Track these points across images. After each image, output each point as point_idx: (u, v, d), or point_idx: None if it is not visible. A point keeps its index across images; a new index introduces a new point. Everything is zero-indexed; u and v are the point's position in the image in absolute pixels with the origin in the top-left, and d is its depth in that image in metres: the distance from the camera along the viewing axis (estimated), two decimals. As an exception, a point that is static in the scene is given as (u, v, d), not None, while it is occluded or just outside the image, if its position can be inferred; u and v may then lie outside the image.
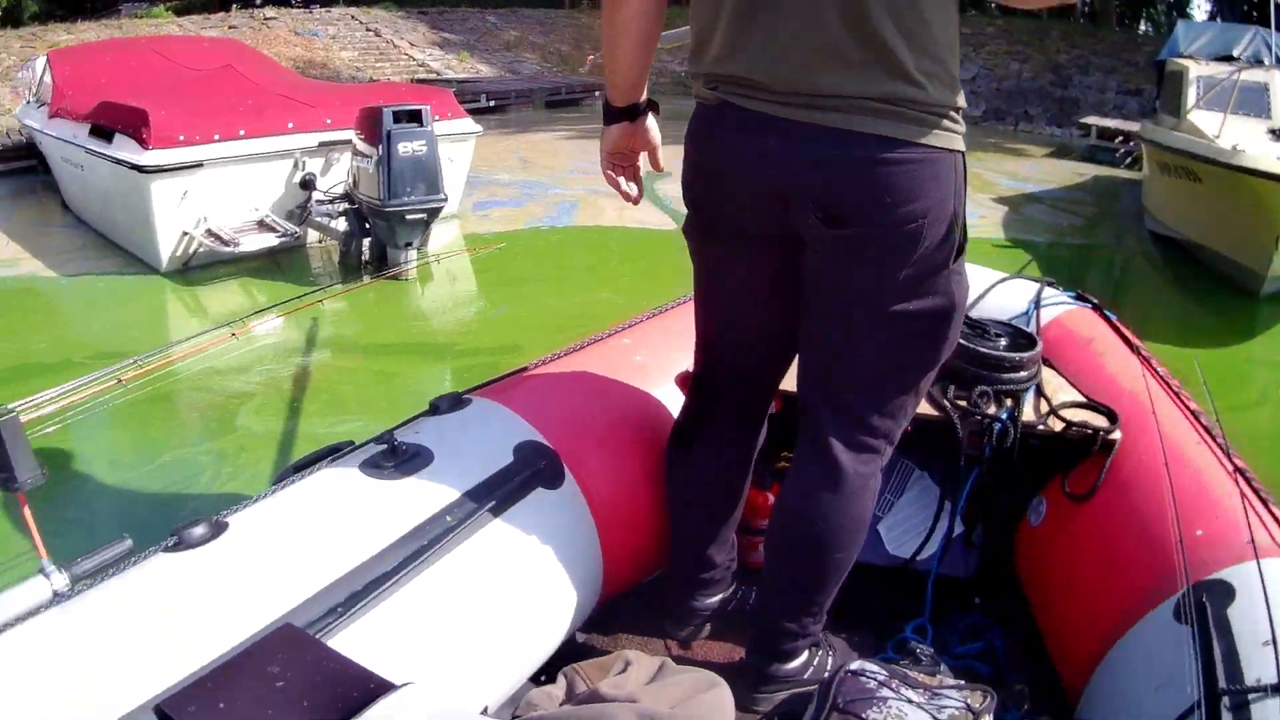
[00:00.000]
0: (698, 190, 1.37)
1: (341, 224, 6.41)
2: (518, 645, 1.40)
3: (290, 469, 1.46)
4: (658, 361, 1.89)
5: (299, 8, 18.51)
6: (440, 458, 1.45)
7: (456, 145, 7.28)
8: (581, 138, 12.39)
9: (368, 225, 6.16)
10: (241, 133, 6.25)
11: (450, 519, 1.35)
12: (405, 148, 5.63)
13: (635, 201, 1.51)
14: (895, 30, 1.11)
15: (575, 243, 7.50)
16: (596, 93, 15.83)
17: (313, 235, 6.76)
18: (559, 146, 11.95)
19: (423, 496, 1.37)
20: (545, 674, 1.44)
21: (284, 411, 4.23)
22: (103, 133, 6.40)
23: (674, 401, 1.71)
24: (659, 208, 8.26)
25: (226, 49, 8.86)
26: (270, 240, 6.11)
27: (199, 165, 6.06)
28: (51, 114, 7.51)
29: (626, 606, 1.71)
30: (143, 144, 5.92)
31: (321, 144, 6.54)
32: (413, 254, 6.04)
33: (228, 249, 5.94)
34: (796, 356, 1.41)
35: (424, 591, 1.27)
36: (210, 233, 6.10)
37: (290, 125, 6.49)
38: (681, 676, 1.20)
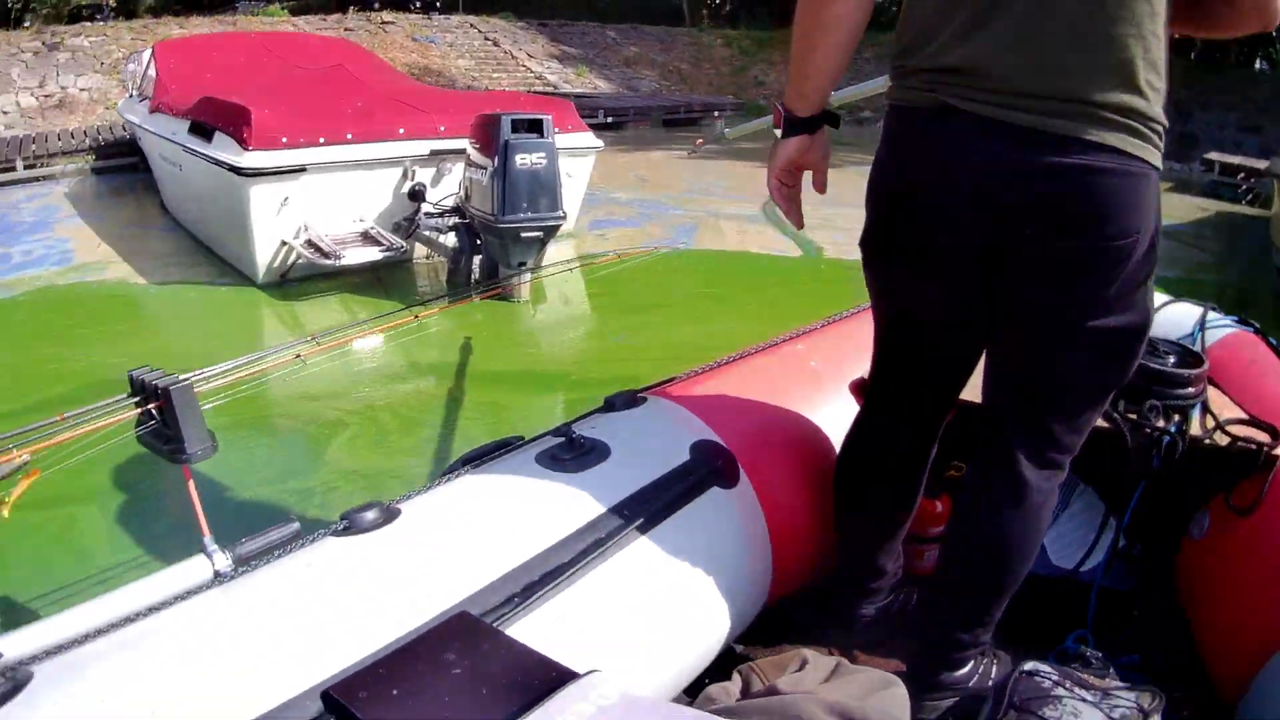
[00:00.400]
0: (891, 199, 1.30)
1: (451, 239, 5.86)
2: (690, 641, 1.40)
3: (460, 461, 1.47)
4: (831, 369, 1.90)
5: (417, 13, 18.33)
6: (617, 453, 1.45)
7: (576, 160, 6.72)
8: (699, 158, 11.78)
9: (479, 241, 5.60)
10: (349, 136, 5.78)
11: (627, 513, 1.34)
12: (523, 160, 5.04)
13: (800, 225, 1.43)
14: (1134, 41, 1.10)
15: (696, 267, 6.86)
16: (715, 113, 15.37)
17: (420, 250, 6.24)
18: (677, 166, 11.38)
19: (600, 490, 1.37)
20: (710, 675, 1.43)
21: (375, 434, 3.99)
22: (202, 130, 6.01)
23: (847, 409, 1.68)
24: (783, 233, 7.62)
25: (339, 48, 8.52)
26: (374, 254, 5.58)
27: (301, 170, 5.59)
28: (153, 109, 7.21)
29: (792, 608, 1.69)
30: (243, 144, 5.49)
31: (433, 152, 6.02)
32: (526, 277, 5.43)
33: (328, 262, 5.42)
34: (980, 368, 1.40)
35: (600, 585, 1.26)
36: (310, 243, 5.62)
37: (401, 131, 5.98)
38: (857, 675, 1.18)
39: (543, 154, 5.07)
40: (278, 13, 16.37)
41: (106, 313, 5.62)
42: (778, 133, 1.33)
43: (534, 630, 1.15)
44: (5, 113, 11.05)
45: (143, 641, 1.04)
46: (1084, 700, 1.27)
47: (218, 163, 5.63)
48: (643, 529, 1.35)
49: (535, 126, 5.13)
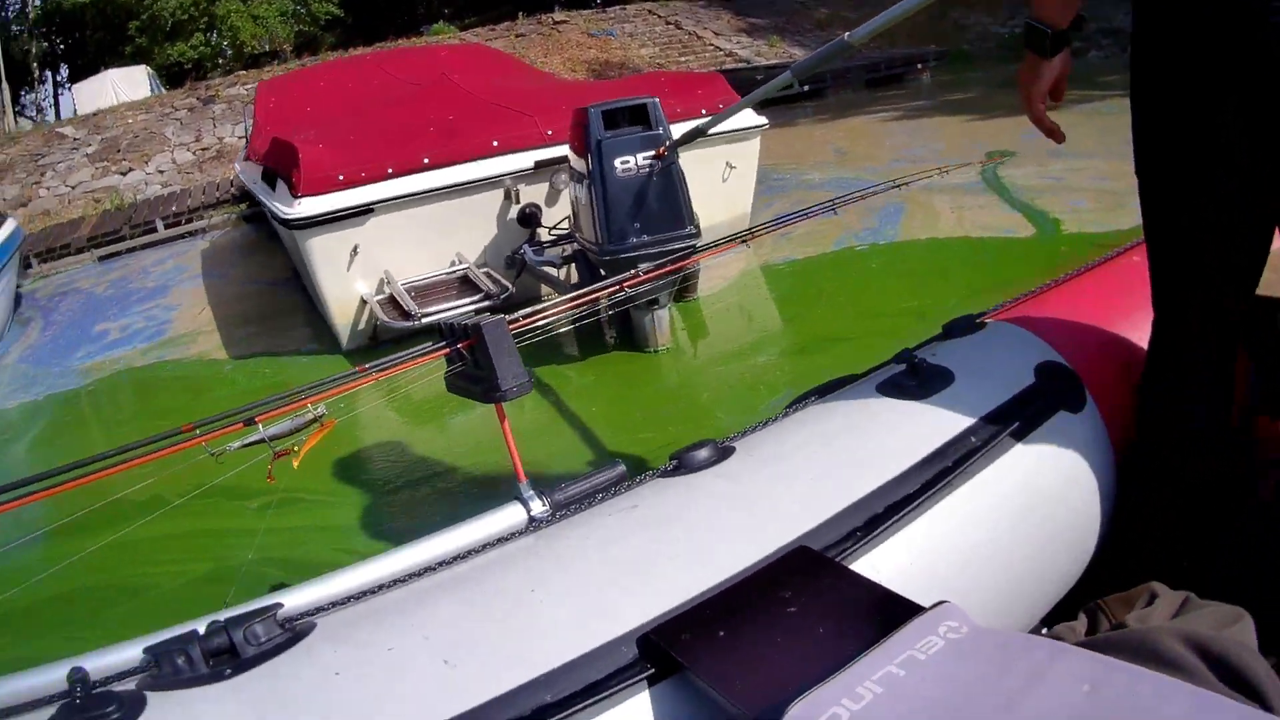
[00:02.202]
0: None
1: (571, 273, 4.46)
2: (1036, 575, 1.31)
3: (797, 399, 1.45)
4: None
5: (594, 9, 17.24)
6: (961, 378, 1.37)
7: (736, 147, 5.19)
8: (907, 118, 9.92)
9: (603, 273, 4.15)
10: (425, 161, 4.51)
11: (975, 440, 1.26)
12: (625, 164, 3.53)
13: (1061, 138, 1.30)
14: None
15: (901, 267, 5.04)
16: (919, 65, 13.32)
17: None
18: (882, 130, 9.53)
19: (946, 416, 1.29)
20: (1054, 615, 1.33)
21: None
22: (271, 177, 4.97)
23: None
24: (1007, 201, 5.79)
25: (462, 56, 7.26)
26: (464, 305, 4.23)
27: (368, 211, 4.39)
28: (248, 154, 6.32)
29: (1138, 540, 1.49)
30: (293, 190, 4.38)
31: (539, 164, 4.65)
32: (663, 317, 3.91)
33: (405, 324, 4.15)
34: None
35: (945, 516, 1.18)
36: (392, 299, 4.40)
37: (495, 144, 4.65)
38: (1207, 608, 1.08)
39: (650, 153, 3.52)
40: (444, 29, 15.77)
41: (161, 400, 4.81)
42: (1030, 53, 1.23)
43: (877, 565, 1.08)
44: (161, 172, 10.93)
45: (444, 589, 1.04)
46: None
47: (274, 216, 4.55)
48: (990, 456, 1.25)
49: (638, 115, 3.60)
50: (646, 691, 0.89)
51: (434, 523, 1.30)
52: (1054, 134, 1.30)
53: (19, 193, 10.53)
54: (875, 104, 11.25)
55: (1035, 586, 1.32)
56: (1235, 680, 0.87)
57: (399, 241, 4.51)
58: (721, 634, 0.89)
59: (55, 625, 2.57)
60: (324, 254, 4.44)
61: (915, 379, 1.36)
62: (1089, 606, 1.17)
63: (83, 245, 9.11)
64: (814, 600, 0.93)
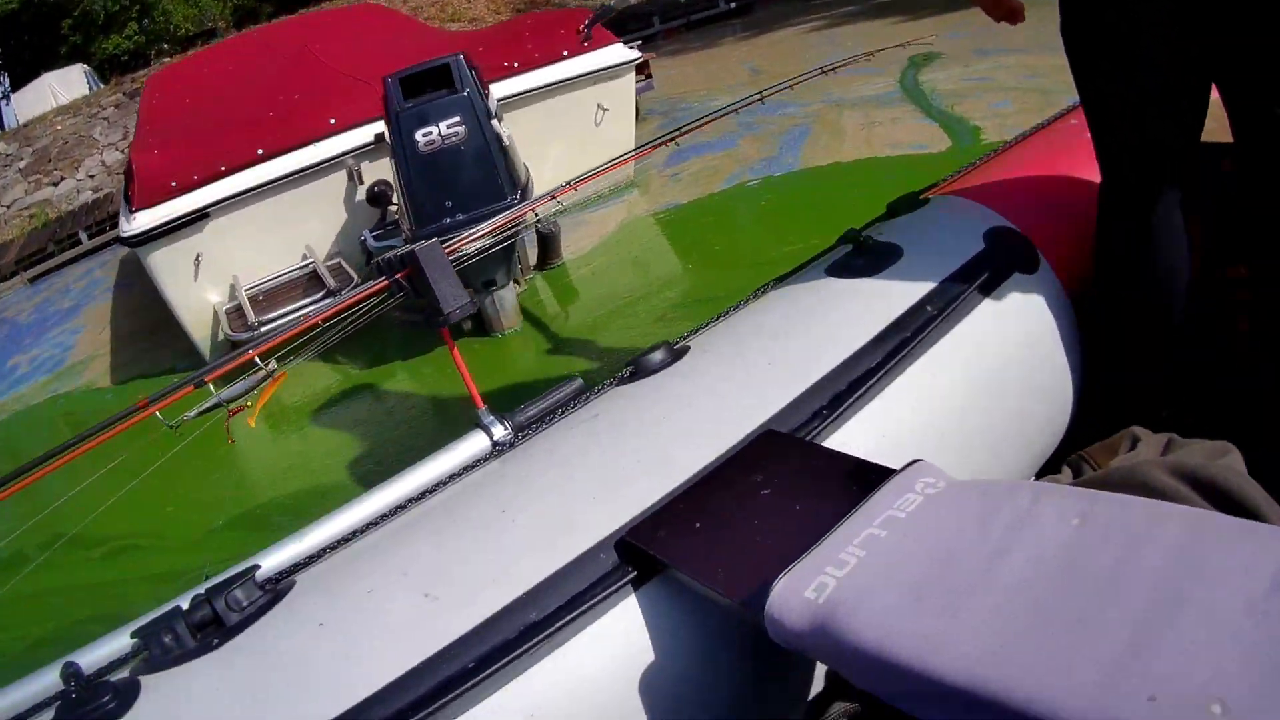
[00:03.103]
0: None
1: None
2: (1010, 434, 1.30)
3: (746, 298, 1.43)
4: None
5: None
6: (910, 252, 1.36)
7: (606, 86, 4.84)
8: (831, 25, 9.40)
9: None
10: (259, 152, 4.19)
11: (931, 309, 1.24)
12: (427, 136, 3.19)
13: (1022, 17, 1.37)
14: None
15: (798, 200, 4.65)
16: None
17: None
18: (803, 43, 9.03)
19: (898, 290, 1.28)
20: (1037, 476, 1.36)
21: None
22: (125, 189, 4.68)
23: None
24: (923, 110, 5.40)
25: (342, 21, 6.69)
26: (304, 305, 3.94)
27: (203, 216, 4.08)
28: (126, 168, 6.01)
29: (1112, 391, 1.51)
30: (129, 204, 4.10)
31: (380, 137, 4.29)
32: (505, 298, 3.60)
33: (246, 335, 3.87)
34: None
35: (911, 386, 1.17)
36: (238, 310, 4.11)
37: (333, 121, 4.31)
38: (1193, 445, 1.02)
39: (457, 118, 3.18)
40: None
41: (35, 444, 4.47)
42: None
43: (847, 441, 1.08)
44: (92, 176, 10.58)
45: (415, 526, 1.04)
46: None
47: (118, 236, 4.28)
48: (949, 323, 1.24)
49: (439, 78, 3.24)
50: (630, 595, 0.89)
51: (399, 462, 1.29)
52: (1015, 14, 1.35)
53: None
54: (803, 14, 10.67)
55: (1011, 448, 1.31)
56: (1229, 506, 0.83)
57: (243, 242, 4.23)
58: (698, 526, 0.89)
59: (43, 626, 2.55)
60: (167, 267, 4.18)
61: (864, 257, 1.35)
62: (1071, 459, 1.14)
63: (11, 269, 8.84)
64: (786, 480, 0.93)
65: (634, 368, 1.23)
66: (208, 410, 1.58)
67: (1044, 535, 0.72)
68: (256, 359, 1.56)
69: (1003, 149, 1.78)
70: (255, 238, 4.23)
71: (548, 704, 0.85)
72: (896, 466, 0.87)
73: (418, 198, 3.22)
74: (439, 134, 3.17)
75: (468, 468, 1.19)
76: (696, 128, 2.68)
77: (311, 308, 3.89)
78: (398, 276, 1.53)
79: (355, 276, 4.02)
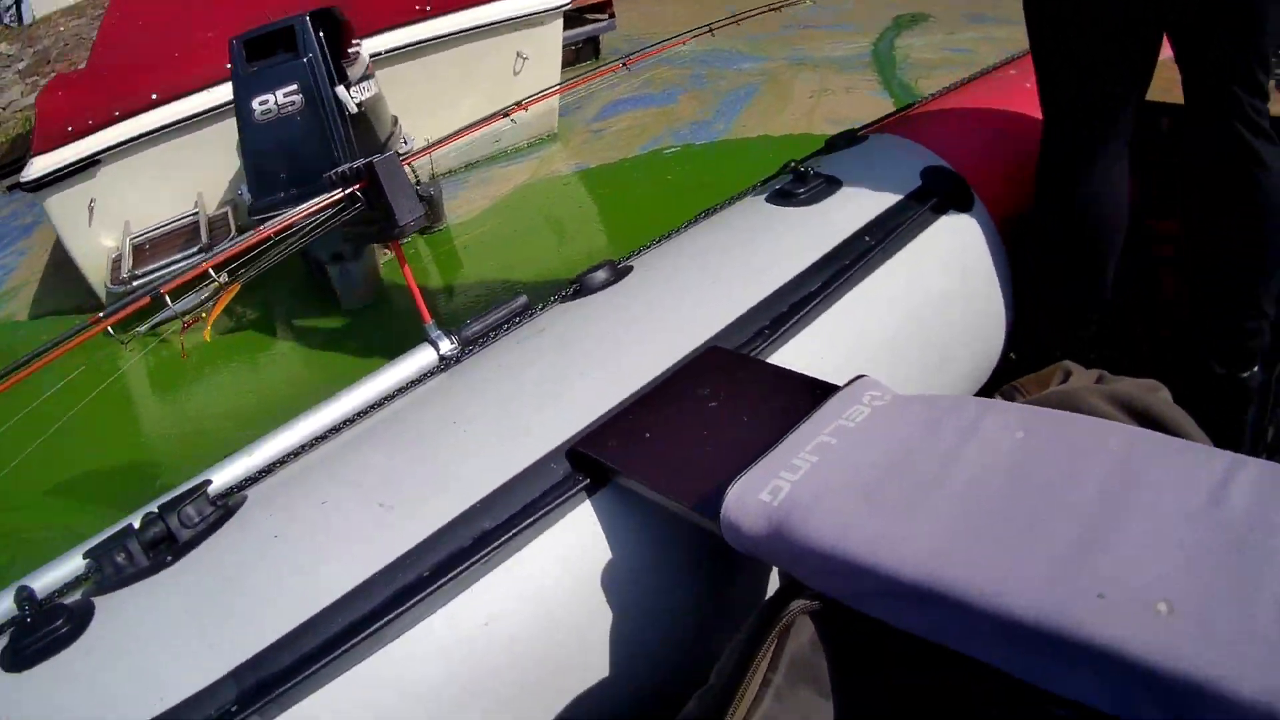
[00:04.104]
0: None
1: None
2: (944, 362, 1.35)
3: (687, 222, 1.45)
4: None
5: None
6: (849, 185, 1.41)
7: (527, 33, 4.68)
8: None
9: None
10: (153, 97, 4.10)
11: (869, 239, 1.29)
12: (264, 105, 3.10)
13: None
14: None
15: (702, 179, 4.34)
16: None
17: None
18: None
19: (837, 220, 1.33)
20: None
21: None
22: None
23: None
24: (884, 82, 5.16)
25: None
26: (178, 260, 3.85)
27: (94, 162, 4.03)
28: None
29: (1037, 334, 1.58)
30: (29, 150, 4.07)
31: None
32: (352, 270, 3.51)
33: (119, 288, 3.84)
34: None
35: (850, 311, 1.22)
36: (118, 260, 4.08)
37: (228, 65, 4.19)
38: (1123, 380, 1.05)
39: (293, 87, 3.07)
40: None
41: None
42: None
43: (788, 360, 1.09)
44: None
45: (365, 439, 1.05)
46: None
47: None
48: (885, 254, 1.28)
49: (284, 41, 3.13)
50: (583, 503, 0.91)
51: (348, 377, 1.29)
52: None
53: (-55, 114, 10.22)
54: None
55: (944, 375, 1.35)
56: (1163, 432, 0.84)
57: (137, 189, 4.18)
58: (648, 436, 0.91)
59: None
60: (63, 213, 4.15)
61: (804, 187, 1.38)
62: (1004, 388, 1.17)
63: (-3, 173, 8.87)
64: (733, 393, 0.95)
65: (578, 285, 1.25)
66: (160, 324, 1.60)
67: (990, 444, 0.74)
68: (210, 270, 1.56)
69: (941, 93, 1.84)
70: (148, 185, 4.18)
71: (504, 610, 0.86)
72: (833, 384, 0.91)
73: (255, 169, 3.14)
74: (275, 103, 3.08)
75: (415, 381, 1.20)
76: (577, 84, 2.55)
77: (184, 262, 3.85)
78: (354, 189, 1.53)
79: (233, 229, 3.96)
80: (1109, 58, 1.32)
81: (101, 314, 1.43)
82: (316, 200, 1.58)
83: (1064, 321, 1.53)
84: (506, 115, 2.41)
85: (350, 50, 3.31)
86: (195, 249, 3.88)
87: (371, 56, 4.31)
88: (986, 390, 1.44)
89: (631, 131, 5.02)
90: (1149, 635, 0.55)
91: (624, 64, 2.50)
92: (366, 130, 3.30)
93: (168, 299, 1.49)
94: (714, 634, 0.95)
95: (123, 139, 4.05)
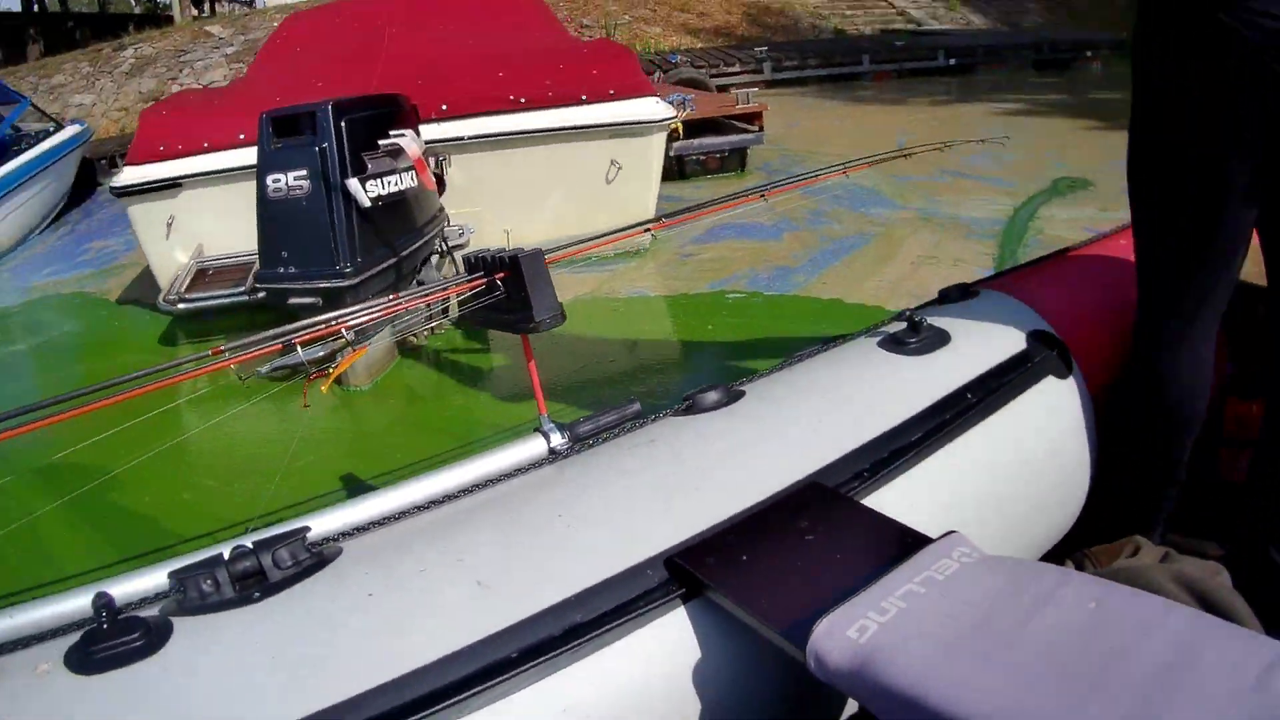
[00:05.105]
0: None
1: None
2: (1031, 523, 1.40)
3: (800, 353, 1.50)
4: None
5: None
6: (957, 339, 1.45)
7: (625, 142, 4.56)
8: (1023, 114, 8.50)
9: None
10: (241, 137, 4.23)
11: (971, 397, 1.34)
12: (275, 182, 3.07)
13: None
14: None
15: (750, 337, 3.94)
16: (1089, 52, 11.36)
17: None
18: (979, 123, 8.16)
19: (943, 374, 1.37)
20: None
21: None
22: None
23: None
24: (997, 258, 4.66)
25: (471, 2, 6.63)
26: (219, 296, 3.99)
27: (175, 185, 4.22)
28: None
29: (1117, 502, 1.60)
30: (123, 158, 4.31)
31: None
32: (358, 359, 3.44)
33: (165, 307, 4.00)
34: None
35: (946, 463, 1.26)
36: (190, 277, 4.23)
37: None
38: (1188, 561, 1.15)
39: (303, 172, 3.04)
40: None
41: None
42: None
43: (881, 503, 1.12)
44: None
45: (470, 516, 1.06)
46: None
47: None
48: (984, 413, 1.33)
49: (307, 124, 3.11)
50: (674, 611, 0.93)
51: (456, 451, 1.37)
52: None
53: (154, 86, 11.23)
54: (1015, 91, 9.73)
55: (1025, 535, 1.39)
56: (1220, 616, 0.92)
57: (213, 216, 4.33)
58: (744, 558, 0.94)
59: (81, 548, 2.64)
60: (144, 222, 4.39)
61: (915, 336, 1.43)
62: (1075, 555, 1.23)
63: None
64: (829, 530, 0.99)
65: (690, 403, 1.29)
66: (283, 369, 1.64)
67: (1065, 612, 0.81)
68: (343, 330, 1.59)
69: (1054, 255, 1.87)
70: (223, 216, 4.30)
71: (583, 702, 0.87)
72: (923, 533, 0.96)
73: (263, 241, 3.13)
74: (286, 183, 3.05)
75: (522, 470, 1.23)
76: (712, 210, 2.40)
77: (227, 300, 3.94)
78: (496, 277, 1.54)
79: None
80: (1204, 232, 1.33)
81: (224, 348, 1.43)
82: (456, 279, 1.60)
83: (1139, 495, 1.54)
84: (646, 230, 2.27)
85: (384, 142, 3.25)
86: (241, 289, 3.96)
87: (453, 141, 4.31)
88: (1058, 549, 1.47)
89: (717, 264, 4.77)
90: None
91: (763, 196, 2.35)
92: (391, 222, 3.23)
93: (299, 348, 1.50)
94: None
95: (204, 170, 4.22)
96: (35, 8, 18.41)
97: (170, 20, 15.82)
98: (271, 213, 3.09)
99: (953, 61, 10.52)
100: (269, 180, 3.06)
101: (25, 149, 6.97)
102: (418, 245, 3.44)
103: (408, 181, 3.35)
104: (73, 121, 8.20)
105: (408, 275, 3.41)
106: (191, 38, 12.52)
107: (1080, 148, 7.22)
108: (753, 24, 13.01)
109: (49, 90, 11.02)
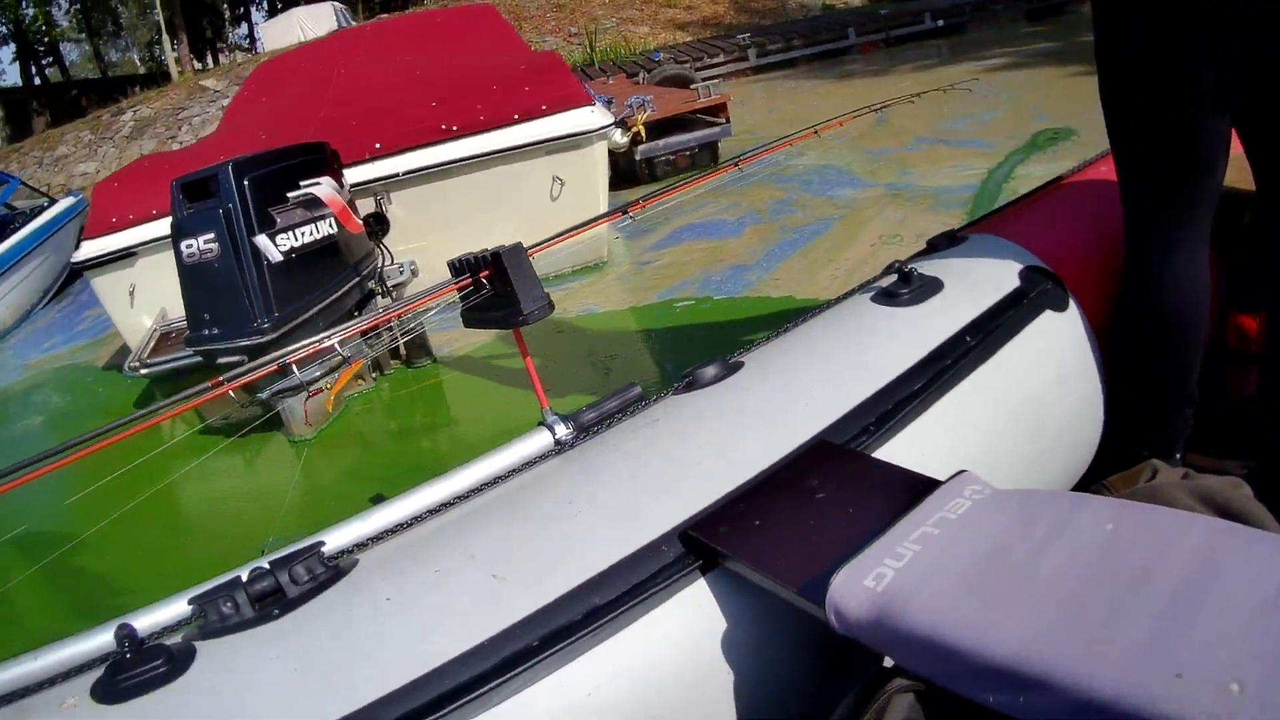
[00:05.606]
0: None
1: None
2: (1046, 460, 1.40)
3: (795, 319, 1.50)
4: None
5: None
6: (950, 285, 1.45)
7: (563, 156, 4.51)
8: (1007, 69, 8.29)
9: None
10: (185, 198, 4.28)
11: (970, 340, 1.33)
12: (189, 248, 3.12)
13: None
14: None
15: (682, 346, 3.78)
16: None
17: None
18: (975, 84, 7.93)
19: (939, 321, 1.37)
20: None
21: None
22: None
23: None
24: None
25: (425, 29, 6.57)
26: (179, 359, 4.02)
27: (130, 254, 4.29)
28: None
29: (1130, 431, 1.60)
30: (82, 233, 4.45)
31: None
32: (294, 405, 3.45)
33: (128, 374, 4.08)
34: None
35: (950, 409, 1.26)
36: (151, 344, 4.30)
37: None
38: (1207, 478, 1.11)
39: (211, 235, 3.07)
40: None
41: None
42: None
43: (892, 456, 1.13)
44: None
45: (481, 513, 1.08)
46: None
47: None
48: (984, 355, 1.33)
49: (214, 186, 3.14)
50: (693, 584, 0.94)
51: (463, 453, 1.34)
52: None
53: (155, 147, 11.49)
54: (1004, 45, 9.46)
55: (1043, 473, 1.39)
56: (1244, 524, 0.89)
57: (170, 280, 4.30)
58: (757, 523, 0.95)
59: (101, 585, 2.74)
60: (108, 292, 4.50)
61: (907, 287, 1.44)
62: (1094, 487, 1.22)
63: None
64: (840, 486, 1.00)
65: (690, 379, 1.31)
66: (281, 390, 1.56)
67: (1081, 537, 0.80)
68: (336, 345, 1.62)
69: (1037, 191, 1.87)
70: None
71: (609, 682, 0.88)
72: (935, 478, 0.96)
73: (187, 305, 3.17)
74: (198, 247, 3.09)
75: (529, 463, 1.24)
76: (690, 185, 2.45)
77: (183, 362, 3.99)
78: (481, 275, 1.57)
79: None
80: (1179, 146, 1.34)
81: (223, 377, 1.46)
82: (441, 284, 1.61)
83: (1153, 418, 1.54)
84: (625, 212, 2.24)
85: (295, 194, 3.26)
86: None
87: (389, 179, 4.32)
88: (1078, 487, 1.45)
89: (672, 269, 4.71)
90: (1222, 712, 0.60)
91: (737, 164, 2.36)
92: (311, 272, 3.24)
93: (294, 368, 1.52)
94: (814, 717, 0.97)
95: (155, 236, 4.28)
96: (36, 80, 18.91)
97: (168, 78, 16.15)
98: (190, 277, 3.13)
99: (941, 23, 10.30)
100: (183, 246, 3.11)
101: (19, 227, 7.16)
102: (346, 289, 3.46)
103: (326, 229, 3.37)
104: (68, 193, 8.42)
105: (340, 320, 3.43)
106: (188, 94, 12.78)
107: (1065, 95, 7.03)
108: (740, 11, 12.91)
109: (53, 162, 11.32)
